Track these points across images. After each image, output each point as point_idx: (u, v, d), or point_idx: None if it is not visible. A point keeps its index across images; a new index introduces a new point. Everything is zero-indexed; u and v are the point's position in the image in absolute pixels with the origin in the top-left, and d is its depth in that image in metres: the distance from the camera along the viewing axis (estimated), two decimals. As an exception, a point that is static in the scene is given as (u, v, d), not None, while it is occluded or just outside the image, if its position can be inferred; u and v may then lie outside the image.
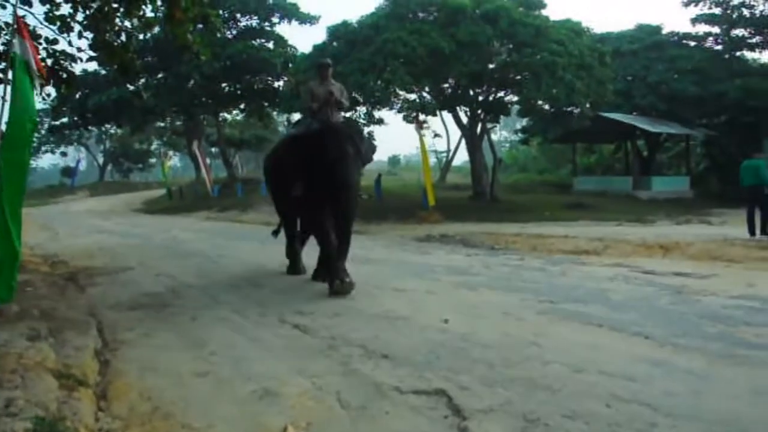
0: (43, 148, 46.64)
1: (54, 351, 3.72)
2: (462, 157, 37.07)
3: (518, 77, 17.09)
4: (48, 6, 7.34)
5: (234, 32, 26.77)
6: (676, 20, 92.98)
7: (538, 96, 16.65)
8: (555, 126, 22.14)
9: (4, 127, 4.34)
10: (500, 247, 9.92)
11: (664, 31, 24.66)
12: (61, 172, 48.52)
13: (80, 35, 7.51)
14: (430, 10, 16.86)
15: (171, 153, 46.25)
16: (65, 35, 7.40)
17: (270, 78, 27.03)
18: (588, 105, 17.89)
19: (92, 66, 23.94)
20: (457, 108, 19.39)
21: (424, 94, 19.21)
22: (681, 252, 8.50)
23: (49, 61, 7.22)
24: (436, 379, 3.36)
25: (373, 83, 15.78)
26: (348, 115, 15.19)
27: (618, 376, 3.33)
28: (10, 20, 5.32)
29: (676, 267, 7.25)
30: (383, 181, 21.09)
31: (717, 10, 22.74)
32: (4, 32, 6.87)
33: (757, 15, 22.08)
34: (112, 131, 44.06)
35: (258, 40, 26.48)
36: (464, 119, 19.71)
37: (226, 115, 32.95)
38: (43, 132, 42.08)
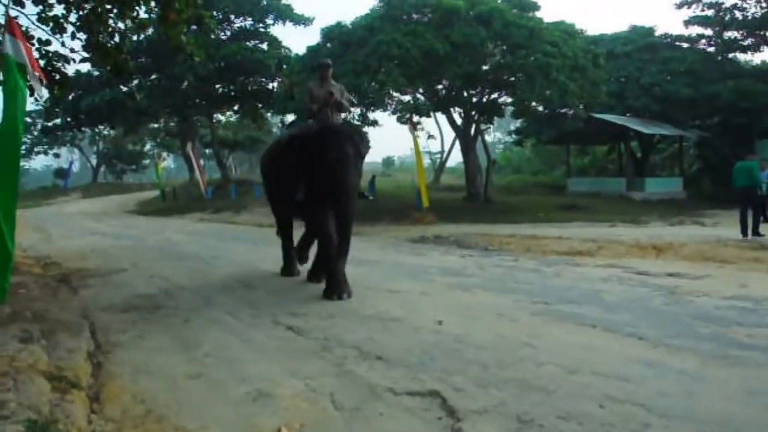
0: (36, 150, 46.47)
1: (46, 353, 3.70)
2: (456, 158, 37.24)
3: (512, 79, 17.09)
4: (41, 6, 7.31)
5: (228, 33, 26.74)
6: (670, 22, 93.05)
7: (532, 97, 16.70)
8: (549, 127, 22.18)
9: None
10: (494, 248, 9.93)
11: (657, 33, 24.78)
12: (54, 174, 48.29)
13: (73, 36, 7.49)
14: (424, 12, 16.86)
15: (164, 154, 45.97)
16: (58, 36, 7.39)
17: (264, 79, 27.00)
18: (581, 106, 17.97)
19: (85, 67, 23.84)
20: (451, 109, 19.39)
21: (418, 96, 19.22)
22: (674, 253, 8.55)
23: (41, 62, 7.18)
24: (430, 380, 3.37)
25: (367, 85, 15.78)
26: (343, 116, 15.15)
27: (612, 376, 3.35)
28: (1, 21, 5.28)
29: (669, 268, 7.28)
30: (377, 183, 21.11)
31: (710, 12, 22.89)
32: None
33: (750, 17, 22.21)
34: (106, 132, 43.97)
35: (252, 42, 26.47)
36: (458, 120, 19.71)
37: (219, 116, 32.92)
38: (36, 133, 41.96)
